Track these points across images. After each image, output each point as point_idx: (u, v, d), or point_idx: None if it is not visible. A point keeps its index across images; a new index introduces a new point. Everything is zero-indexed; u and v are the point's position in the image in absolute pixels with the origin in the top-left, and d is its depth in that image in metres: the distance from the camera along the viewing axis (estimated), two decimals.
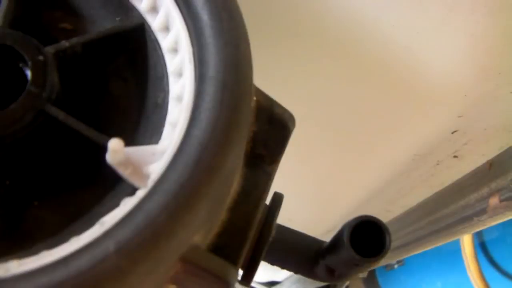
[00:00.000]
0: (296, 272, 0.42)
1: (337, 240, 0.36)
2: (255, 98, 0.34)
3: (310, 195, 1.06)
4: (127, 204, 0.28)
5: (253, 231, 0.34)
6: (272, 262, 0.41)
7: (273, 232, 0.37)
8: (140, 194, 0.28)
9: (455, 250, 1.46)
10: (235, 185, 0.34)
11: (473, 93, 0.62)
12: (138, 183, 0.30)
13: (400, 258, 1.02)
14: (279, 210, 0.37)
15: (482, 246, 1.44)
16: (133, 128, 0.36)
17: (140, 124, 0.36)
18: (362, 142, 0.79)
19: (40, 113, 0.32)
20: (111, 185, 0.33)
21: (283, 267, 0.42)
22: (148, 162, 0.31)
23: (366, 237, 0.35)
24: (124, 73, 0.40)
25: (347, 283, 2.06)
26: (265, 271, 1.83)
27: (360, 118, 0.73)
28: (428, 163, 0.79)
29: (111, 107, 0.38)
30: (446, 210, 0.79)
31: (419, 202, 0.94)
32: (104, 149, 0.31)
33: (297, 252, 0.41)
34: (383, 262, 1.07)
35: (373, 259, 0.34)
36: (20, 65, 0.34)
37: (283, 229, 0.42)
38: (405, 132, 0.74)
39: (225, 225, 0.33)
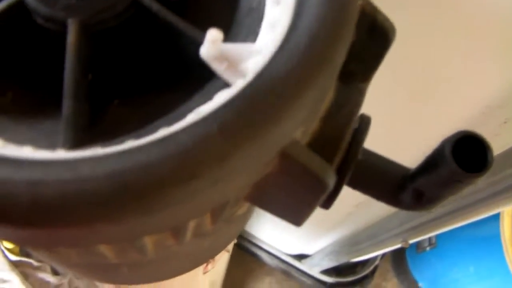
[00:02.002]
0: (378, 198, 0.40)
1: (434, 157, 0.34)
2: (360, 2, 0.32)
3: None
4: (224, 95, 0.26)
5: (345, 143, 0.32)
6: (355, 186, 0.39)
7: (360, 152, 0.35)
8: (240, 83, 0.27)
9: (492, 235, 1.42)
10: (329, 93, 0.33)
11: None
12: (233, 79, 0.28)
13: (450, 228, 0.99)
14: (367, 130, 0.35)
15: None
16: (225, 30, 0.34)
17: (232, 27, 0.34)
18: (430, 89, 0.75)
19: (133, 3, 0.31)
20: (201, 84, 0.31)
21: (365, 192, 0.40)
22: (245, 58, 0.29)
23: (465, 155, 0.33)
24: None
25: (376, 262, 2.04)
26: (296, 243, 1.82)
27: (429, 64, 0.70)
28: (496, 119, 0.75)
29: (201, 10, 0.36)
30: (509, 170, 0.76)
31: None
32: (197, 44, 0.30)
33: (383, 176, 0.39)
34: (418, 234, 1.04)
35: (476, 174, 0.32)
36: None
37: (369, 153, 0.40)
38: (478, 78, 0.70)
39: (316, 136, 0.32)
